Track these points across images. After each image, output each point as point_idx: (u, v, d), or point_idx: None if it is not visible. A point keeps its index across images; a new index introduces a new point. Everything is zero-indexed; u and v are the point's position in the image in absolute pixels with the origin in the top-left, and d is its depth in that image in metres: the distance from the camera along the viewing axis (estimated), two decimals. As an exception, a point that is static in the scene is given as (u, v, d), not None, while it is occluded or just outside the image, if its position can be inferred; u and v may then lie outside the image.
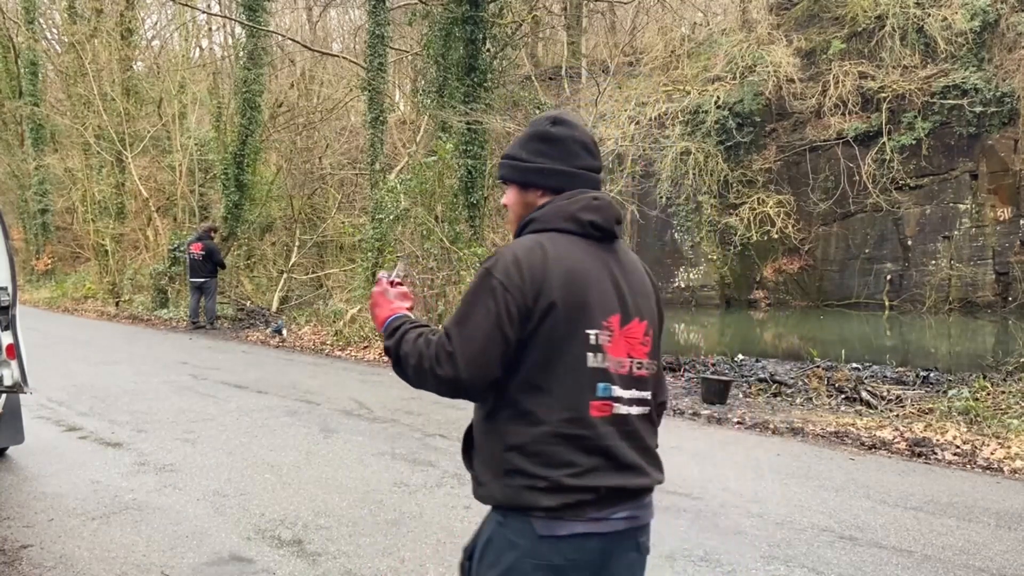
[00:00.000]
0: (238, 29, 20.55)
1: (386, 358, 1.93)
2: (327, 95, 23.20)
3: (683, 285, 23.30)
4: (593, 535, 1.73)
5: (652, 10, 26.20)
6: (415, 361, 1.80)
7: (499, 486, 1.76)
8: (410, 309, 1.98)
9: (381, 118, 15.99)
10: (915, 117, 19.94)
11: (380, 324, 1.95)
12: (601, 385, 1.77)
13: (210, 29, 27.20)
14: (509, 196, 1.99)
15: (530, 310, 1.74)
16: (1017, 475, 5.86)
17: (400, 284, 2.04)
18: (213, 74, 23.73)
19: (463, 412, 7.57)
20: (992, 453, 6.30)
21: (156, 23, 29.04)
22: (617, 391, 1.79)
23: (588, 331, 1.76)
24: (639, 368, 1.85)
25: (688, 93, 22.21)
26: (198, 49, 27.46)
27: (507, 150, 2.01)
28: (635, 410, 1.83)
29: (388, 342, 1.88)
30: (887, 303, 20.64)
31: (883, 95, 20.23)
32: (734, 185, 21.96)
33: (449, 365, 1.74)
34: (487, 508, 1.85)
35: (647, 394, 1.87)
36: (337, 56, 23.19)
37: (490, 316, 1.74)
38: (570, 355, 1.75)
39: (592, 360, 1.76)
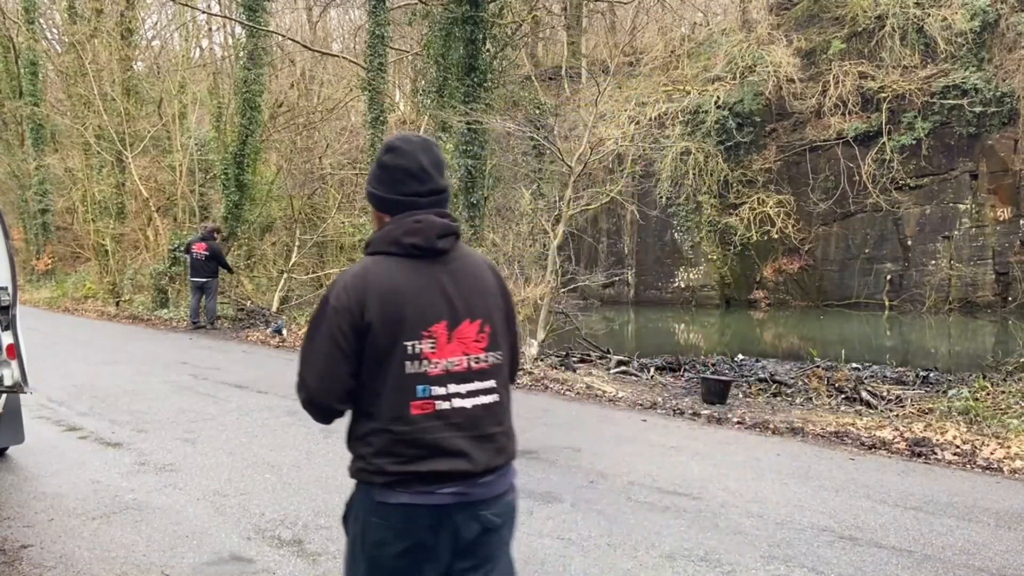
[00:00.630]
0: (238, 29, 20.55)
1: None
2: (327, 95, 23.19)
3: (683, 285, 23.30)
4: (420, 506, 2.04)
5: (652, 10, 26.21)
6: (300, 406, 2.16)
7: (352, 466, 2.13)
8: None
9: (381, 118, 15.98)
10: (915, 117, 19.93)
11: None
12: (420, 387, 2.05)
13: (210, 29, 27.22)
14: (372, 216, 2.30)
15: (360, 327, 2.04)
16: (1017, 475, 5.86)
17: None
18: (213, 74, 23.72)
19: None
20: (992, 453, 6.30)
21: (156, 23, 29.09)
22: (439, 390, 2.06)
23: (406, 343, 2.04)
24: (478, 362, 2.13)
25: (688, 93, 22.21)
26: (198, 49, 27.50)
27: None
28: (479, 400, 2.12)
29: None
30: (887, 303, 20.63)
31: (883, 95, 20.22)
32: (734, 185, 21.95)
33: (303, 386, 2.11)
34: None
35: (490, 383, 2.15)
36: (337, 56, 23.19)
37: (327, 337, 2.05)
38: (392, 364, 2.04)
39: (410, 367, 2.04)
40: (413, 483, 2.03)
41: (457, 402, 2.08)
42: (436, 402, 2.06)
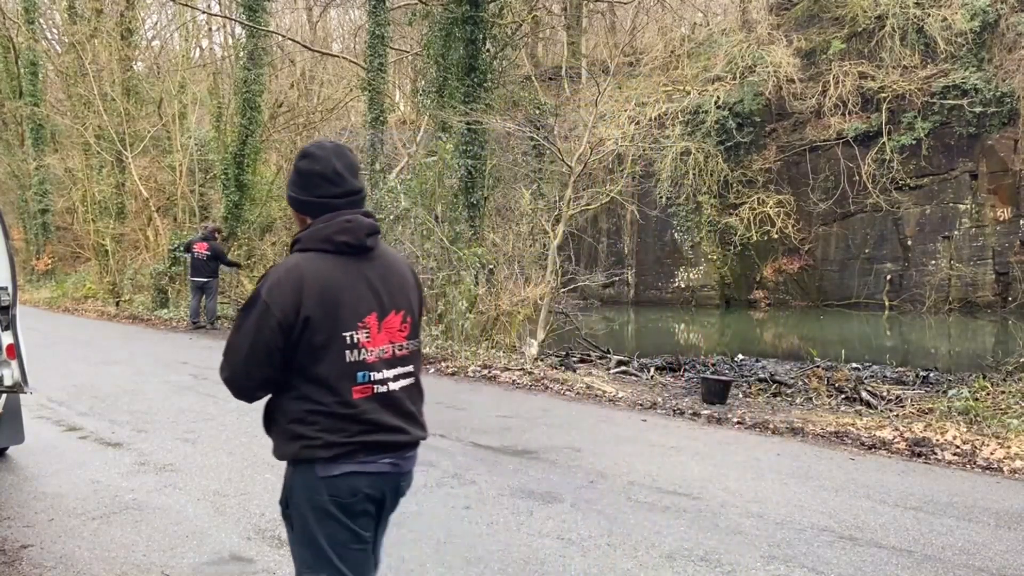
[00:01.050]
0: (238, 29, 20.55)
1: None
2: (327, 95, 23.20)
3: (683, 285, 23.30)
4: (362, 474, 2.23)
5: (652, 10, 26.20)
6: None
7: (288, 448, 2.25)
8: None
9: (381, 118, 15.98)
10: (915, 117, 19.93)
11: None
12: (360, 374, 2.24)
13: (210, 29, 27.21)
14: (294, 217, 2.45)
15: (292, 323, 2.17)
16: (1017, 475, 5.86)
17: None
18: (213, 74, 23.71)
19: (463, 413, 7.57)
20: (992, 453, 6.30)
21: (156, 23, 29.09)
22: (376, 375, 2.26)
23: (344, 334, 2.21)
24: (400, 350, 2.35)
25: (688, 93, 22.21)
26: (198, 49, 27.49)
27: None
28: (401, 383, 2.34)
29: None
30: (887, 303, 20.63)
31: (883, 95, 20.23)
32: (734, 185, 21.96)
33: (224, 368, 2.27)
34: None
35: (410, 367, 2.39)
36: (337, 56, 23.19)
37: (254, 329, 2.18)
38: (332, 354, 2.20)
39: (350, 356, 2.22)
40: (358, 453, 2.21)
41: (390, 385, 2.30)
42: (374, 386, 2.26)
